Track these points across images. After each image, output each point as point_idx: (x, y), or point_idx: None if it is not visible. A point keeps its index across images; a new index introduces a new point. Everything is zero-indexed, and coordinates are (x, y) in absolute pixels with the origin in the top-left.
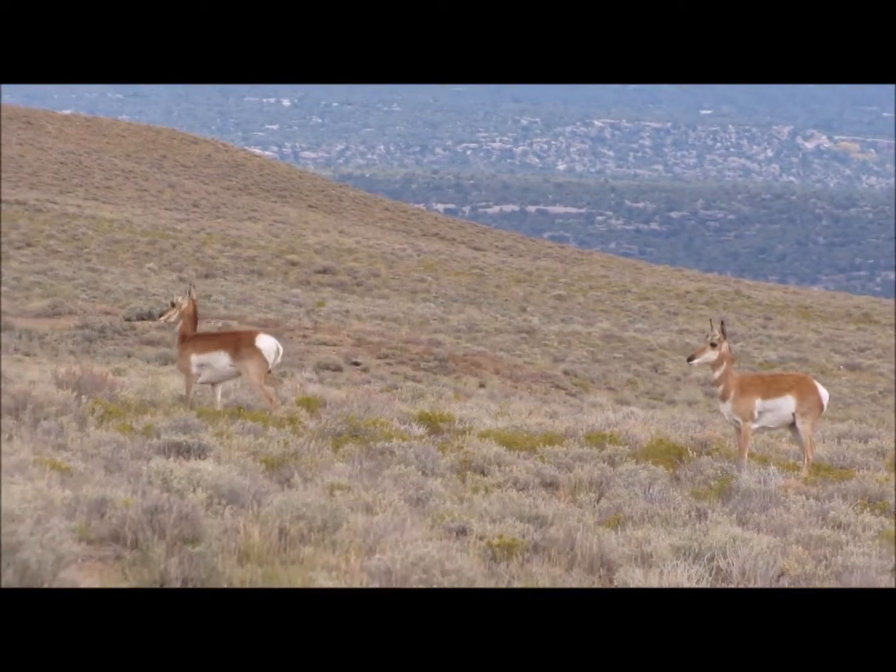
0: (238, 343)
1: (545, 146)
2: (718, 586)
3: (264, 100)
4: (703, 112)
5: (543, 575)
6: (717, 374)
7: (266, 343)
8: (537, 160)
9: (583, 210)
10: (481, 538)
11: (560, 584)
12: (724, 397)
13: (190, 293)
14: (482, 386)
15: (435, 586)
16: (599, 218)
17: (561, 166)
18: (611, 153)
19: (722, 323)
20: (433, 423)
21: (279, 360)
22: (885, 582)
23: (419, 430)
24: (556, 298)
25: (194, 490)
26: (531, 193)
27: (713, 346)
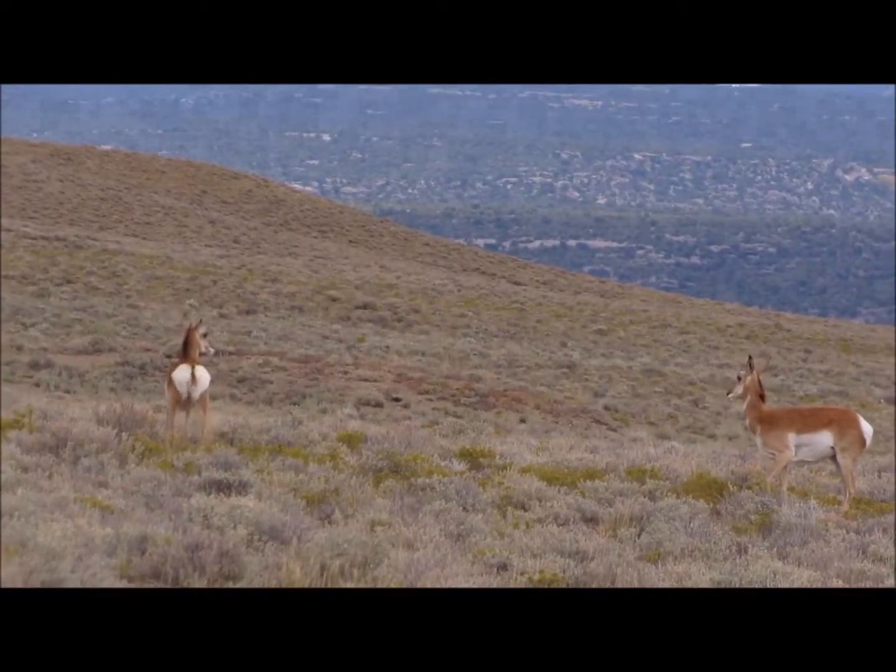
0: (167, 374)
1: (585, 180)
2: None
3: (304, 134)
4: (744, 145)
5: None
6: (743, 407)
7: (177, 375)
8: (577, 194)
9: (623, 244)
10: (522, 573)
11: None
12: (751, 430)
13: (186, 318)
14: (523, 421)
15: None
16: (640, 252)
17: (601, 200)
18: (651, 187)
19: (750, 358)
20: (474, 459)
21: (198, 388)
22: None
23: (460, 466)
24: (597, 333)
25: (235, 527)
26: (571, 228)
27: (739, 379)
